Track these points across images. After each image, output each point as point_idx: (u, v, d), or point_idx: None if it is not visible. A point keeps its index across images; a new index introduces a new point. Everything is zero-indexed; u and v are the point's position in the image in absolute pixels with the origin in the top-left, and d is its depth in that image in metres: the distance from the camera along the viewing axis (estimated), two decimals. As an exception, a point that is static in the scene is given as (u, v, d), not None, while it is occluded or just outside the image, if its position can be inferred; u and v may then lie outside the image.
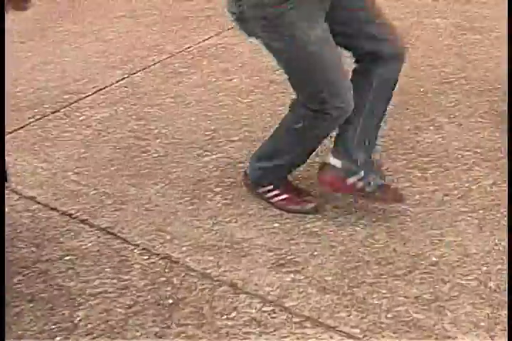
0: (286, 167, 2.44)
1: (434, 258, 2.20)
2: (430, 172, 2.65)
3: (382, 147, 2.80)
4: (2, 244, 1.85)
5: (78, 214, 2.45)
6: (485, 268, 2.15)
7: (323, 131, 2.34)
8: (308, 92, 2.22)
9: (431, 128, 2.96)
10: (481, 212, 2.42)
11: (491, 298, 2.03)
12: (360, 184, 2.31)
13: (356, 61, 2.31)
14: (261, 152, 2.47)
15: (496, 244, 2.25)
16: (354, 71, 2.32)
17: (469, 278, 2.12)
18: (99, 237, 2.33)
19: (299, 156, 2.41)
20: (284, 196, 2.43)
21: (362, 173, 2.31)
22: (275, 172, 2.44)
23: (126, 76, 3.56)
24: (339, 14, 2.14)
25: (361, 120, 2.30)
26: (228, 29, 4.16)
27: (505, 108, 3.12)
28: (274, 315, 1.99)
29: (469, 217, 2.39)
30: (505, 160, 2.70)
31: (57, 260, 2.23)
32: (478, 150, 2.79)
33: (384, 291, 2.07)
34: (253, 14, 2.07)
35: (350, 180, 2.31)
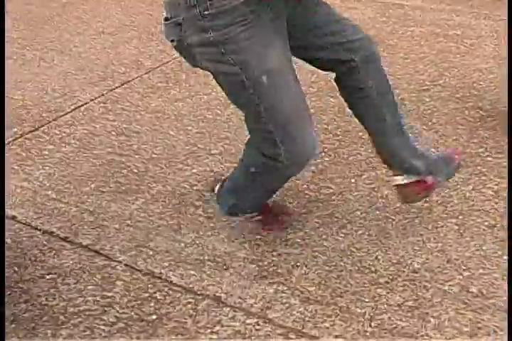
0: (251, 203, 2.26)
1: (416, 265, 2.21)
2: (410, 179, 2.66)
3: (363, 156, 2.82)
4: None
5: (59, 232, 2.44)
6: (466, 274, 2.17)
7: (276, 182, 2.12)
8: (259, 133, 1.94)
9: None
10: (460, 217, 2.43)
11: (474, 303, 2.05)
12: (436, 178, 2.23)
13: (336, 76, 2.10)
14: (227, 186, 2.28)
15: (477, 249, 2.27)
16: (340, 87, 2.14)
17: (451, 283, 2.13)
18: (81, 255, 2.32)
19: (263, 196, 2.25)
20: (259, 218, 2.35)
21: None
22: (242, 206, 2.26)
23: (105, 92, 3.56)
24: (296, 30, 1.90)
25: (388, 130, 2.14)
26: (206, 43, 4.18)
27: (482, 114, 3.16)
28: (258, 327, 1.99)
29: (449, 222, 2.41)
30: (506, 164, 2.73)
31: (40, 279, 2.22)
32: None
33: (367, 300, 2.07)
34: (196, 40, 1.77)
35: (428, 179, 2.21)
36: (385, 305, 2.05)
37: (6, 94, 3.53)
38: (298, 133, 1.89)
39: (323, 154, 2.85)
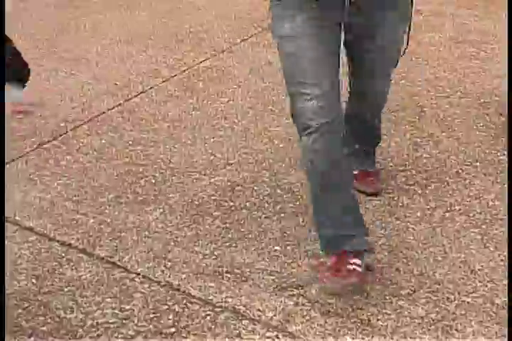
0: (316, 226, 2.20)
1: (438, 277, 2.17)
2: (430, 188, 2.63)
3: (382, 164, 2.79)
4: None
5: (77, 243, 2.42)
6: (491, 285, 2.12)
7: (311, 177, 2.11)
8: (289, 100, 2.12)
9: (430, 143, 2.95)
10: (483, 227, 2.39)
11: (499, 316, 2.00)
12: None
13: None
14: None
15: (502, 260, 2.23)
16: None
17: (475, 295, 2.09)
18: (98, 267, 2.30)
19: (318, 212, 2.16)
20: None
21: None
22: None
23: (121, 102, 3.56)
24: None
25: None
26: (223, 51, 4.18)
27: (504, 120, 3.11)
28: (278, 341, 1.96)
29: (472, 232, 2.37)
30: (506, 169, 2.69)
31: (58, 291, 2.20)
32: (478, 164, 2.77)
33: (389, 312, 2.03)
34: None
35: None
36: (407, 318, 2.01)
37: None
38: (295, 98, 2.04)
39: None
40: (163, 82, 3.78)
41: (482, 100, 3.33)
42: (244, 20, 4.76)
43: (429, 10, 4.79)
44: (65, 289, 2.21)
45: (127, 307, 2.12)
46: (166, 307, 2.10)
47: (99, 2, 5.59)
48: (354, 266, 1.99)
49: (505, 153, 2.84)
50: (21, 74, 1.94)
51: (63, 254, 2.38)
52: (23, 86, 1.93)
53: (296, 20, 2.02)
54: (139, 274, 2.25)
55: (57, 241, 2.44)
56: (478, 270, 2.19)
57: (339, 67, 2.06)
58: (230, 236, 2.41)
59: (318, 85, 2.00)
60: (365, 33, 2.12)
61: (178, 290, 2.17)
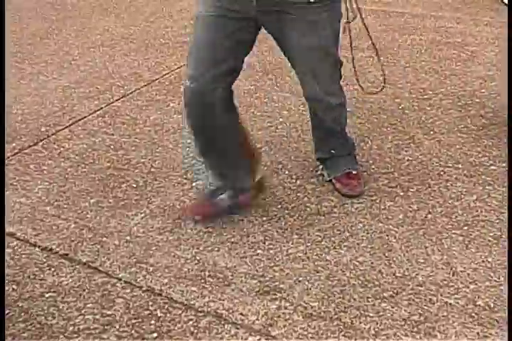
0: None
1: (421, 278, 2.17)
2: (412, 190, 2.63)
3: (364, 166, 2.79)
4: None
5: (58, 249, 2.40)
6: (473, 286, 2.13)
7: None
8: None
9: (411, 145, 2.95)
10: (465, 228, 2.39)
11: (481, 317, 2.00)
12: None
13: None
14: None
15: (483, 261, 2.23)
16: None
17: (457, 296, 2.09)
18: (80, 272, 2.28)
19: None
20: None
21: None
22: None
23: (103, 106, 3.54)
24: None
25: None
26: (205, 54, 4.16)
27: (485, 122, 3.13)
28: (260, 345, 1.95)
29: (454, 234, 2.37)
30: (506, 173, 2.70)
31: (39, 297, 2.18)
32: (460, 166, 2.77)
33: (371, 314, 2.03)
34: None
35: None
36: (390, 320, 2.01)
37: (5, 109, 3.51)
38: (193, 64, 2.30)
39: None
40: (145, 85, 3.77)
41: (463, 102, 3.35)
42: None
43: (410, 12, 4.83)
44: (46, 295, 2.19)
45: (109, 312, 2.10)
46: (148, 312, 2.09)
47: (82, 6, 5.58)
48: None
49: (487, 154, 2.85)
50: None
51: (44, 260, 2.36)
52: None
53: (207, 5, 2.20)
54: (120, 279, 2.23)
55: (38, 247, 2.42)
56: (461, 271, 2.19)
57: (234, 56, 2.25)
58: (212, 240, 2.40)
59: (196, 69, 2.26)
60: (275, 32, 2.25)
61: (160, 295, 2.16)
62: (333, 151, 2.64)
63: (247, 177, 2.47)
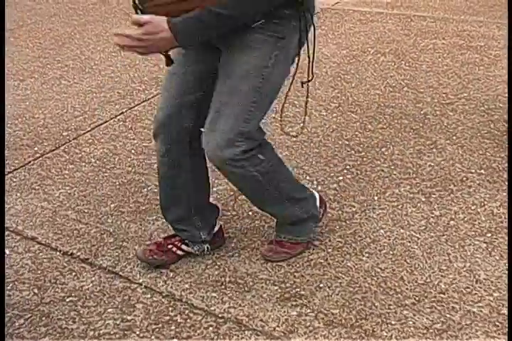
0: None
1: (443, 286, 2.14)
2: (435, 196, 2.60)
3: (386, 172, 2.77)
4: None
5: (79, 253, 2.41)
6: (497, 294, 2.10)
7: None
8: None
9: (433, 150, 2.93)
10: (488, 235, 2.37)
11: (505, 326, 1.97)
12: None
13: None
14: None
15: (507, 268, 2.20)
16: None
17: (481, 305, 2.06)
18: (100, 277, 2.28)
19: None
20: None
21: None
22: None
23: (124, 110, 3.55)
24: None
25: None
26: (226, 59, 4.16)
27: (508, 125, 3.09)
28: (281, 352, 1.94)
29: (477, 241, 2.34)
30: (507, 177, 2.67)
31: (60, 302, 2.19)
32: (483, 172, 2.75)
33: (393, 322, 2.01)
34: None
35: None
36: (412, 328, 1.98)
37: (27, 113, 3.54)
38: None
39: (345, 171, 2.80)
40: (166, 90, 3.77)
41: (486, 107, 3.31)
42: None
43: (432, 16, 4.79)
44: (67, 299, 2.19)
45: (129, 317, 2.10)
46: (168, 317, 2.09)
47: (104, 11, 5.62)
48: None
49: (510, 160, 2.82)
50: None
51: (65, 264, 2.36)
52: None
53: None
54: (141, 284, 2.24)
55: (59, 251, 2.43)
56: (484, 279, 2.16)
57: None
58: (232, 245, 2.39)
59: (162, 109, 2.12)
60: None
61: (181, 300, 2.15)
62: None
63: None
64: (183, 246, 2.32)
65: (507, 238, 2.34)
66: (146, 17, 1.76)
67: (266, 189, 2.10)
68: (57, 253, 2.43)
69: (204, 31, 1.77)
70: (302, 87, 2.02)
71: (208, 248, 2.33)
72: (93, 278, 2.28)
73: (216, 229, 2.35)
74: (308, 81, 2.03)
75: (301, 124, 2.16)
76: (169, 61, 1.90)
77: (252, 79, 1.91)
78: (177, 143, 2.11)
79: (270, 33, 1.86)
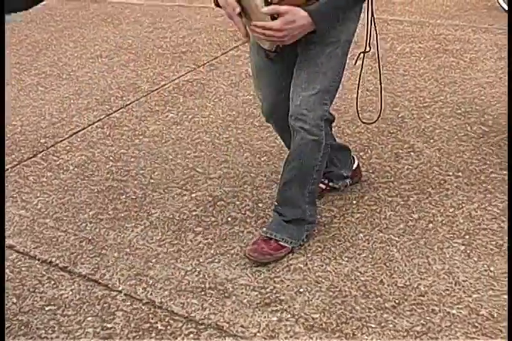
0: None
1: (422, 288, 2.15)
2: (413, 199, 2.62)
3: (364, 176, 2.78)
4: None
5: (58, 261, 2.39)
6: (475, 296, 2.11)
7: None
8: None
9: (411, 154, 2.94)
10: (466, 237, 2.38)
11: (484, 327, 1.99)
12: None
13: None
14: None
15: (485, 270, 2.21)
16: None
17: (460, 306, 2.07)
18: (80, 285, 2.27)
19: None
20: None
21: None
22: None
23: (102, 117, 3.54)
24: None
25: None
26: (203, 64, 4.17)
27: (485, 129, 3.12)
28: (262, 358, 1.93)
29: (455, 243, 2.35)
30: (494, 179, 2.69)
31: (39, 310, 2.17)
32: (460, 174, 2.76)
33: (373, 326, 2.01)
34: None
35: None
36: (393, 331, 1.99)
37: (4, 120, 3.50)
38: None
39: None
40: (144, 96, 3.77)
41: (463, 109, 3.34)
42: (224, 33, 4.76)
43: (408, 20, 4.83)
44: (46, 308, 2.18)
45: (109, 325, 2.09)
46: (149, 325, 2.08)
47: (81, 17, 5.59)
48: None
49: (487, 162, 2.84)
50: None
51: (44, 273, 2.35)
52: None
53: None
54: (120, 292, 2.22)
55: (38, 260, 2.41)
56: (463, 281, 2.17)
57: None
58: (212, 251, 2.38)
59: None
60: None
61: (161, 307, 2.14)
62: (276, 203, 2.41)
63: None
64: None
65: (485, 240, 2.36)
66: (284, 7, 1.88)
67: (316, 170, 2.27)
68: (36, 261, 2.41)
69: (336, 14, 1.98)
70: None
71: (349, 182, 2.66)
72: (72, 287, 2.27)
73: (355, 165, 2.68)
74: (367, 52, 2.27)
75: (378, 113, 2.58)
76: (272, 54, 2.09)
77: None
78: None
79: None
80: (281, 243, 2.31)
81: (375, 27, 2.23)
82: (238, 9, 1.95)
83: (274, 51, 2.08)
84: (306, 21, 1.90)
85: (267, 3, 1.89)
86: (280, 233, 2.32)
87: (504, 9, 4.90)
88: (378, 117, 2.68)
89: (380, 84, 2.61)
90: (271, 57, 2.16)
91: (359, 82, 2.53)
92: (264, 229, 2.36)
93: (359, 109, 3.36)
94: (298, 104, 2.12)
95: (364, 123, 2.87)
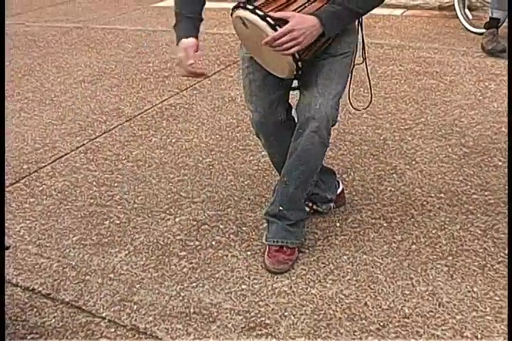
0: None
1: (406, 310, 2.15)
2: (396, 221, 2.63)
3: (347, 198, 2.79)
4: None
5: (41, 288, 2.37)
6: (459, 317, 2.11)
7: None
8: None
9: (393, 176, 2.97)
10: (450, 258, 2.39)
11: (470, 347, 1.99)
12: None
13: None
14: None
15: (469, 291, 2.22)
16: None
17: (444, 328, 2.07)
18: (63, 312, 2.24)
19: None
20: None
21: None
22: None
23: (85, 142, 3.54)
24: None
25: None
26: (186, 89, 4.20)
27: (466, 150, 3.15)
28: (247, 383, 1.92)
29: (439, 264, 2.36)
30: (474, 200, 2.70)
31: (21, 339, 2.14)
32: (443, 196, 2.78)
33: (359, 349, 2.01)
34: None
35: None
36: (378, 354, 1.99)
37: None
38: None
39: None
40: (127, 121, 3.78)
41: (444, 131, 3.37)
42: (207, 57, 4.80)
43: (389, 43, 4.89)
44: (29, 337, 2.15)
45: (93, 353, 2.07)
46: (133, 351, 2.06)
47: (64, 42, 5.62)
48: None
49: (469, 183, 2.87)
50: None
51: (26, 300, 2.32)
52: None
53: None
54: (104, 318, 2.20)
55: (20, 287, 2.39)
56: (446, 302, 2.18)
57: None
58: (196, 276, 2.37)
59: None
60: None
61: (145, 333, 2.12)
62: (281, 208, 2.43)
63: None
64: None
65: (468, 261, 2.37)
66: (290, 12, 2.00)
67: (317, 172, 2.36)
68: (18, 289, 2.38)
69: (341, 19, 2.09)
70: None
71: (333, 206, 2.69)
72: (55, 314, 2.24)
73: (339, 190, 2.72)
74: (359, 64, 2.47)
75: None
76: (299, 70, 2.09)
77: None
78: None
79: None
80: (292, 246, 2.41)
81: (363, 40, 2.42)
82: (191, 61, 2.25)
83: (296, 73, 2.11)
84: (315, 21, 1.98)
85: (274, 30, 1.96)
86: (289, 238, 2.40)
87: (467, 29, 5.03)
88: (368, 105, 2.78)
89: (370, 88, 2.63)
90: (297, 78, 2.21)
91: (349, 91, 2.54)
92: (271, 238, 2.42)
93: (341, 131, 3.40)
94: (317, 107, 2.18)
95: (355, 109, 2.88)
